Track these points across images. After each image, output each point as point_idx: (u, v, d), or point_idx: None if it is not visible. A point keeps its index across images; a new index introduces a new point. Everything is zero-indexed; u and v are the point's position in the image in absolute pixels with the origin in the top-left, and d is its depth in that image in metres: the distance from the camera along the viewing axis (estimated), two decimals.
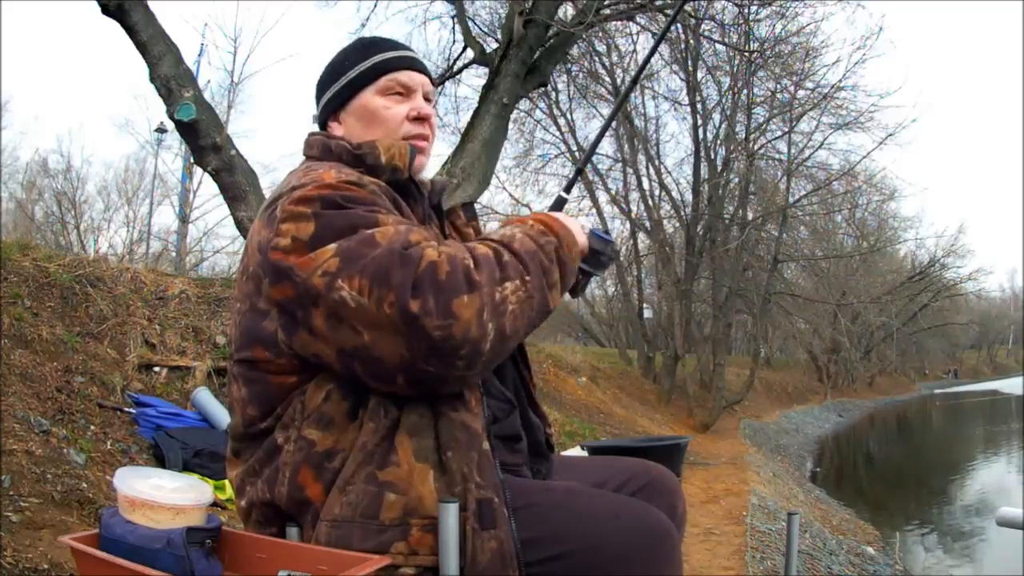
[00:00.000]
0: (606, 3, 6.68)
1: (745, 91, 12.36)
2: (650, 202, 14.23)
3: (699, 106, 13.11)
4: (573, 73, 11.76)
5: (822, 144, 13.36)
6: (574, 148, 14.07)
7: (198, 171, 13.49)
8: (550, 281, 1.13)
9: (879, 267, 20.00)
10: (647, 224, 14.41)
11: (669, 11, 6.95)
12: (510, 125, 7.34)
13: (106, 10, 4.56)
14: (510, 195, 15.37)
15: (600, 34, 10.00)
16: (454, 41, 8.04)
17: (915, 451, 15.91)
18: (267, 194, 5.28)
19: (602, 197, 14.74)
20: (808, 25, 10.41)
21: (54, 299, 4.20)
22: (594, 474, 1.37)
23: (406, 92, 1.33)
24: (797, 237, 14.92)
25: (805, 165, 13.57)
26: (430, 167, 1.41)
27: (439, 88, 8.24)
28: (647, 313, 15.27)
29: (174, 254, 15.35)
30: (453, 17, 7.87)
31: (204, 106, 4.99)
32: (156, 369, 4.36)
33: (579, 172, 1.46)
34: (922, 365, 40.65)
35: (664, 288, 14.76)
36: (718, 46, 10.69)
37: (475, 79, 9.81)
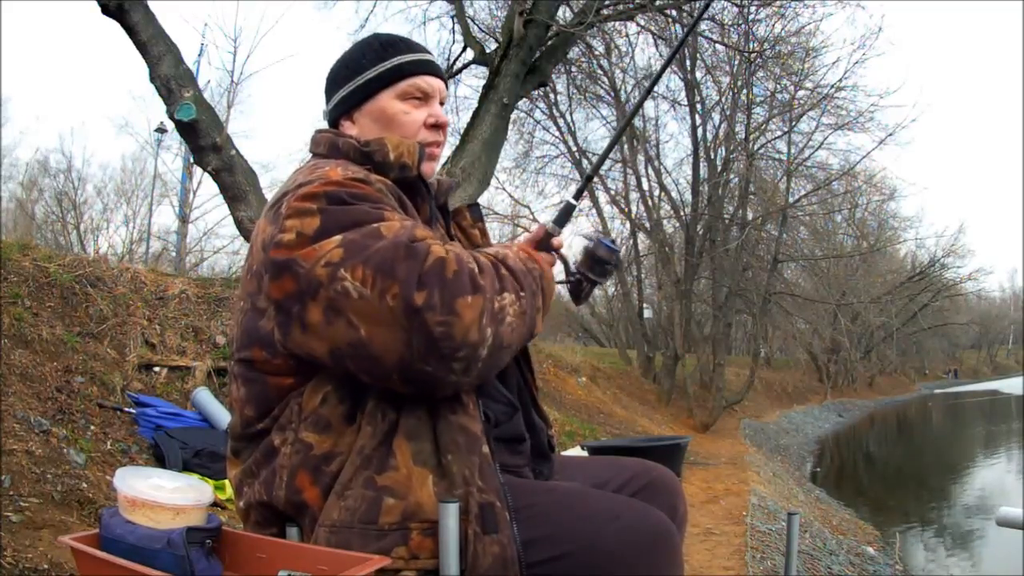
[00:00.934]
0: (606, 3, 6.68)
1: (745, 91, 12.36)
2: (650, 202, 14.24)
3: (698, 106, 13.11)
4: (572, 74, 11.76)
5: (822, 144, 13.39)
6: (573, 148, 14.10)
7: (198, 171, 13.49)
8: (536, 304, 1.14)
9: (879, 267, 19.98)
10: (647, 224, 14.41)
11: (669, 11, 6.96)
12: (509, 126, 7.34)
13: (106, 10, 4.56)
14: (510, 195, 15.40)
15: (599, 34, 9.99)
16: (454, 41, 8.05)
17: (915, 451, 15.91)
18: (267, 194, 5.30)
19: (602, 197, 14.75)
20: (808, 25, 10.43)
21: (54, 299, 4.20)
22: (595, 474, 1.37)
23: (424, 98, 1.32)
24: (797, 237, 14.92)
25: (805, 165, 13.57)
26: None
27: None
28: (647, 313, 15.27)
29: (174, 254, 15.35)
30: (453, 17, 7.87)
31: (204, 106, 4.99)
32: (156, 369, 4.36)
33: (589, 179, 1.46)
34: (922, 365, 40.66)
35: (664, 288, 14.76)
36: (718, 46, 10.68)
37: (475, 79, 9.83)
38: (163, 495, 1.11)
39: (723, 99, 13.04)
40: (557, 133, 14.18)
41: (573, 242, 1.31)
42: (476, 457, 1.11)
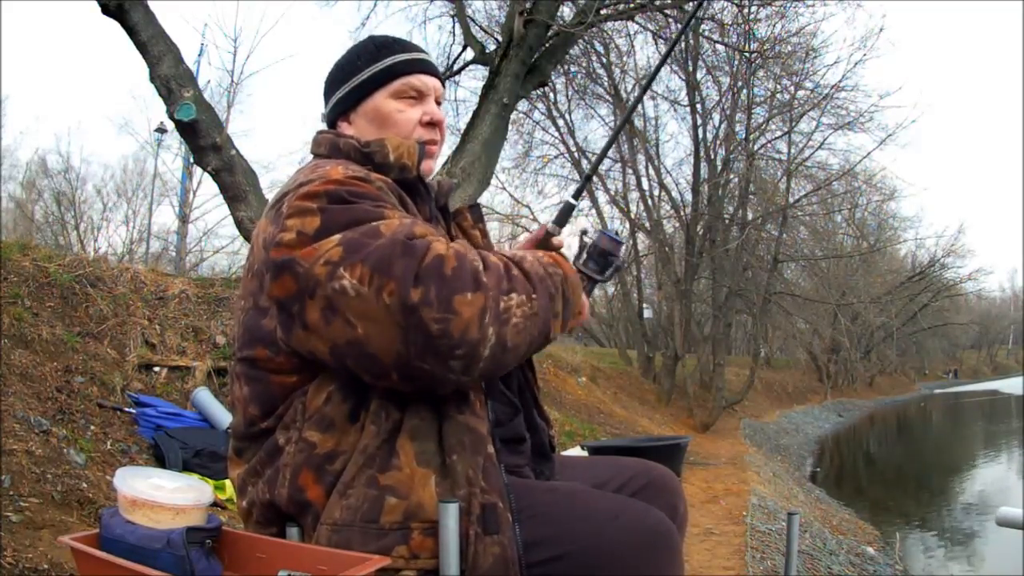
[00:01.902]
0: (606, 3, 6.67)
1: (745, 91, 12.36)
2: (650, 202, 14.23)
3: (699, 106, 13.10)
4: (572, 74, 11.77)
5: (822, 144, 13.39)
6: (573, 149, 14.09)
7: (198, 171, 13.49)
8: (554, 309, 1.12)
9: (879, 267, 19.95)
10: (647, 224, 14.40)
11: (668, 11, 6.95)
12: (509, 126, 7.33)
13: (106, 10, 4.56)
14: (510, 195, 15.39)
15: (599, 34, 9.99)
16: (454, 41, 8.05)
17: (915, 451, 15.89)
18: (267, 194, 5.30)
19: (601, 197, 14.73)
20: (808, 25, 10.43)
21: (54, 299, 4.20)
22: (595, 474, 1.37)
23: (419, 96, 1.32)
24: (797, 237, 14.92)
25: (805, 165, 13.57)
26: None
27: None
28: (647, 313, 15.26)
29: (174, 254, 15.35)
30: (453, 17, 7.87)
31: (204, 106, 4.99)
32: (156, 369, 4.36)
33: (588, 179, 1.45)
34: (922, 365, 40.65)
35: (664, 288, 14.75)
36: (718, 46, 10.69)
37: (474, 80, 9.83)
38: (163, 495, 1.11)
39: (723, 99, 13.05)
40: (556, 133, 14.20)
41: (572, 243, 1.30)
42: (481, 457, 1.10)
